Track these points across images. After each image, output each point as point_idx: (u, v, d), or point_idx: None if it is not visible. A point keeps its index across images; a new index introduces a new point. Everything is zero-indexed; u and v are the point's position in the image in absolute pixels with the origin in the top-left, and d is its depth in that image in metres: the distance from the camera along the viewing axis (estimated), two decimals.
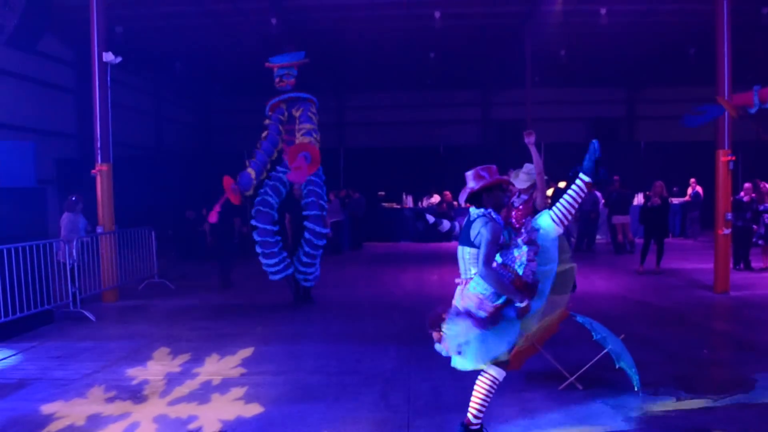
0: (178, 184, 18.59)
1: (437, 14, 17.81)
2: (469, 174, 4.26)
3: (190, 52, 20.45)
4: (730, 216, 10.01)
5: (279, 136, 9.45)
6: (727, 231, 9.94)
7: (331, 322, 8.33)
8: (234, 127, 25.00)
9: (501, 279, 4.03)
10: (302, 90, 9.53)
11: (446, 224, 6.52)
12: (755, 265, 11.98)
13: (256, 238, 9.06)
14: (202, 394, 5.41)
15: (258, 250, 9.12)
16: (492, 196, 4.24)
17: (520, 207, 6.16)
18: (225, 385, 5.63)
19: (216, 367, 6.21)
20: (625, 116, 27.01)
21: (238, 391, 5.46)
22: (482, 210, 4.21)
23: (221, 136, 25.90)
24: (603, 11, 17.54)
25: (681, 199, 18.12)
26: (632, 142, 24.19)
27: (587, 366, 5.44)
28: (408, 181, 19.95)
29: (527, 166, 6.29)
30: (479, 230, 4.09)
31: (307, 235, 9.11)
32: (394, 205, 19.51)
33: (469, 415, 4.29)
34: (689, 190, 18.03)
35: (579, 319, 5.60)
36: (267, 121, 9.54)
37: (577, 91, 25.79)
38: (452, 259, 14.96)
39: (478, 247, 4.09)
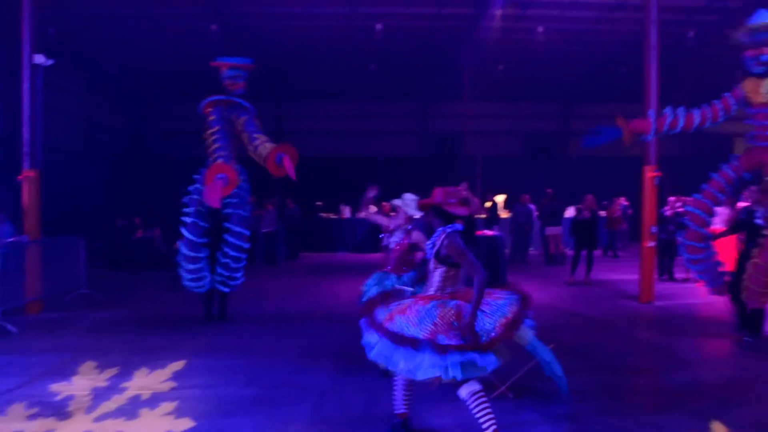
0: (108, 192, 18.05)
1: (379, 26, 17.98)
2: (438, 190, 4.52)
3: (125, 56, 19.96)
4: (655, 229, 10.43)
5: (228, 133, 8.83)
6: (652, 244, 10.35)
7: (265, 334, 8.21)
8: (169, 134, 24.48)
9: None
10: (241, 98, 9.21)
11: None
12: (678, 276, 12.51)
13: (184, 250, 8.51)
14: (130, 410, 5.25)
15: (182, 262, 8.54)
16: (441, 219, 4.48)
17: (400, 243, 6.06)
18: (154, 400, 5.47)
19: (145, 381, 6.04)
20: (559, 131, 27.79)
21: (168, 406, 5.33)
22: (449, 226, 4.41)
23: (156, 143, 25.30)
24: (540, 29, 18.11)
25: (605, 213, 18.74)
26: (565, 157, 24.92)
27: (518, 375, 5.56)
28: (346, 192, 19.95)
29: (407, 197, 6.11)
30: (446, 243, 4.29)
31: (229, 238, 8.60)
32: (332, 216, 19.48)
33: None
34: (617, 204, 18.72)
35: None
36: (211, 118, 8.84)
37: (514, 105, 26.39)
38: None
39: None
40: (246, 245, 8.74)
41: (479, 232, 10.76)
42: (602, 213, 18.36)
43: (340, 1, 17.27)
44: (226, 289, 8.81)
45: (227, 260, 8.65)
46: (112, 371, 6.32)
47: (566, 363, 5.63)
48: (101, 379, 6.06)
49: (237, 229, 8.62)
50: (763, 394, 5.65)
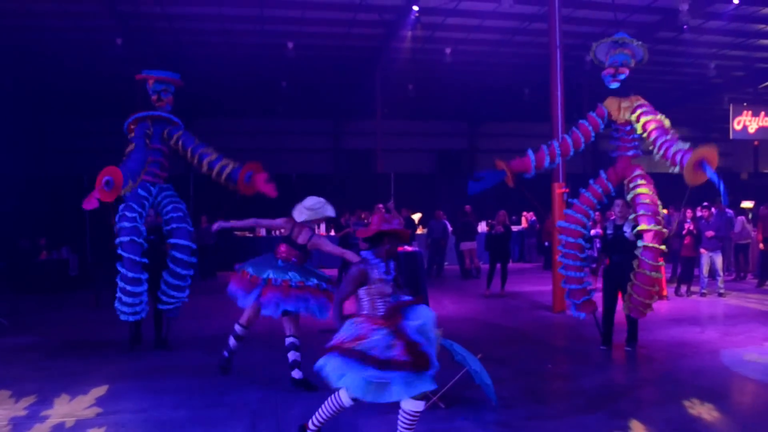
0: (9, 211, 17.01)
1: (290, 45, 18.03)
2: (375, 217, 4.71)
3: (24, 68, 18.99)
4: None
5: (146, 149, 8.27)
6: None
7: (188, 354, 8.01)
8: (73, 151, 23.43)
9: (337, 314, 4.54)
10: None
11: None
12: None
13: (124, 271, 7.81)
14: None
15: (122, 285, 7.84)
16: (392, 242, 4.64)
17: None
18: (80, 427, 5.25)
19: (67, 408, 5.77)
20: (468, 149, 28.70)
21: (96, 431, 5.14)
22: (369, 253, 4.63)
23: (58, 160, 24.11)
24: (448, 51, 18.75)
25: (519, 227, 19.53)
26: (474, 174, 25.72)
27: (449, 385, 5.72)
28: (260, 209, 19.69)
29: (311, 200, 6.46)
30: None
31: (176, 254, 8.15)
32: (248, 234, 19.20)
33: None
34: (525, 219, 19.52)
35: (441, 342, 5.89)
36: (131, 135, 8.35)
37: (424, 123, 27.07)
38: None
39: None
40: (194, 260, 8.33)
41: (400, 248, 10.96)
42: (515, 228, 19.12)
43: (250, 19, 17.21)
44: (173, 313, 8.36)
45: (175, 280, 8.16)
46: (29, 399, 6.00)
47: (492, 371, 5.85)
48: (19, 408, 5.75)
49: (184, 242, 8.18)
50: (673, 394, 6.08)
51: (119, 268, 7.86)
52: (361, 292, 4.51)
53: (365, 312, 4.49)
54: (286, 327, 6.38)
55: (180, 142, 8.39)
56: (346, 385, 4.24)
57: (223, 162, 8.40)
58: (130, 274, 7.81)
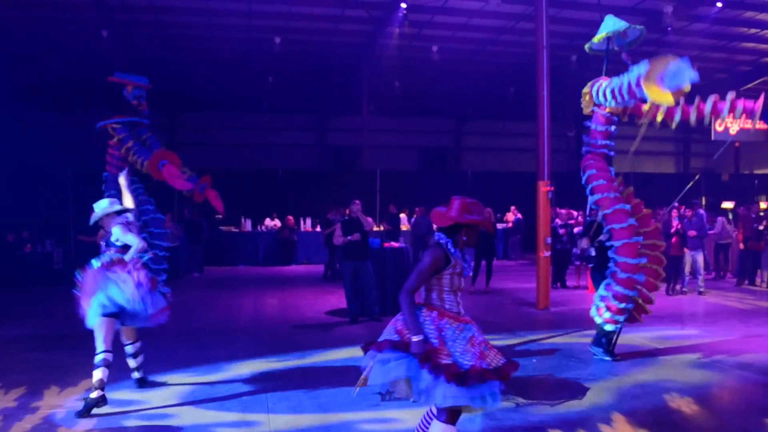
0: None
1: (277, 40, 18.04)
2: (456, 202, 4.00)
3: (8, 60, 18.79)
4: (549, 240, 11.15)
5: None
6: (547, 254, 11.05)
7: (177, 347, 8.06)
8: (58, 144, 23.23)
9: (414, 310, 3.79)
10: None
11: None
12: (570, 284, 13.40)
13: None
14: (46, 429, 5.06)
15: None
16: (470, 234, 4.03)
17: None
18: (71, 418, 5.30)
19: (58, 399, 5.81)
20: (453, 147, 28.84)
21: (88, 423, 5.18)
22: (444, 237, 3.96)
23: (43, 154, 23.87)
24: (434, 48, 18.85)
25: (503, 225, 19.70)
26: (459, 171, 25.90)
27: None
28: (246, 204, 19.76)
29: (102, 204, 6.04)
30: (423, 254, 3.92)
31: (156, 242, 8.42)
32: (233, 229, 19.21)
33: None
34: (510, 216, 19.67)
35: None
36: (122, 136, 8.28)
37: (410, 121, 27.15)
38: (291, 282, 15.06)
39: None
40: (169, 244, 8.56)
41: (387, 244, 11.07)
42: (500, 225, 19.32)
43: (237, 13, 17.18)
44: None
45: (154, 265, 8.48)
46: (19, 391, 6.03)
47: None
48: (9, 400, 5.78)
49: (160, 231, 8.44)
50: (654, 388, 6.23)
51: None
52: (433, 279, 3.89)
53: (434, 303, 3.92)
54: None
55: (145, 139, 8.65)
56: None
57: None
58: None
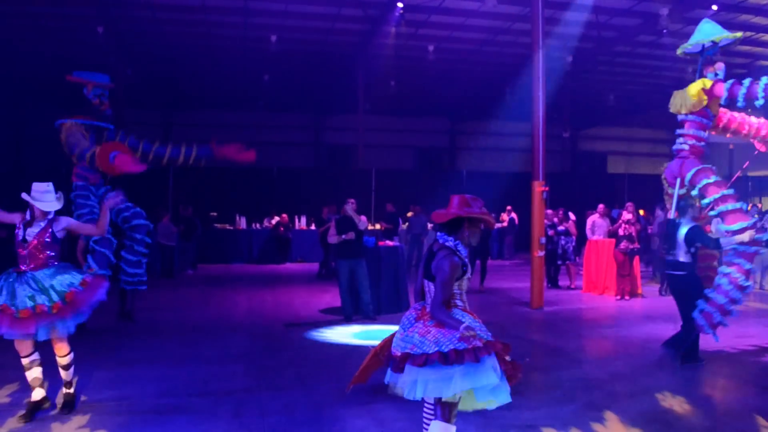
0: None
1: (273, 38, 18.02)
2: (456, 198, 3.98)
3: (2, 56, 18.71)
4: (543, 240, 11.18)
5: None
6: (542, 253, 11.08)
7: (171, 344, 8.06)
8: (53, 141, 23.11)
9: (451, 316, 3.83)
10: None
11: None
12: (562, 284, 13.43)
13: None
14: (40, 425, 5.04)
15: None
16: (472, 229, 4.01)
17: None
18: (64, 414, 5.29)
19: (51, 395, 5.78)
20: (448, 146, 28.89)
21: (80, 419, 5.17)
22: (450, 240, 3.95)
23: (37, 150, 23.77)
24: (431, 48, 18.86)
25: (500, 224, 19.73)
26: (455, 171, 25.94)
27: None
28: (241, 202, 19.76)
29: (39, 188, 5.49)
30: (438, 263, 3.86)
31: (136, 234, 8.76)
32: (228, 227, 19.19)
33: None
34: (505, 216, 19.71)
35: None
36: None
37: (406, 120, 27.19)
38: (286, 280, 15.00)
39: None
40: (148, 240, 8.88)
41: (382, 243, 11.08)
42: (496, 225, 19.32)
43: (233, 11, 17.16)
44: (139, 287, 9.02)
45: (136, 257, 8.79)
46: (11, 387, 6.01)
47: None
48: (2, 396, 5.76)
49: (140, 222, 8.74)
50: (647, 388, 6.26)
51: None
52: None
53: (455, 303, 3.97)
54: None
55: (135, 145, 8.80)
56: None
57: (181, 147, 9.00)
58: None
